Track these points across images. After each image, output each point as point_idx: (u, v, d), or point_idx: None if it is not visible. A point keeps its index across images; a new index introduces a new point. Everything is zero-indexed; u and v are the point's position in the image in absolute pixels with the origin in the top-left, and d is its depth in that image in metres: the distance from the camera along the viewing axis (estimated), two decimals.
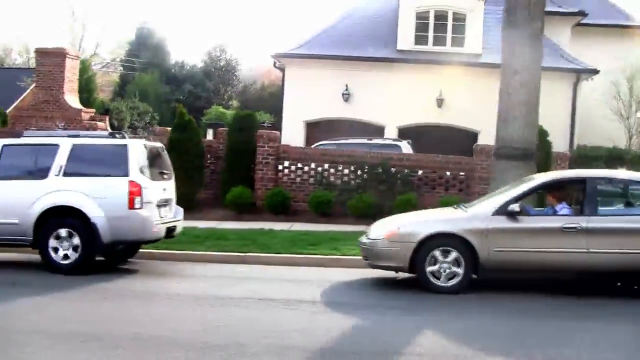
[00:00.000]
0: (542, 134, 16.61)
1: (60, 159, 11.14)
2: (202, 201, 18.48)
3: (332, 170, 18.97)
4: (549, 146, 18.17)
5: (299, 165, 19.13)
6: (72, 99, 23.21)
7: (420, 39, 26.41)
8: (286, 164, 19.13)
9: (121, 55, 60.30)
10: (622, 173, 11.87)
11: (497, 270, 10.14)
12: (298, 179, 19.06)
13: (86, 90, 34.55)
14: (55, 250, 11.00)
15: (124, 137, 11.57)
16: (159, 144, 12.63)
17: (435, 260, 9.94)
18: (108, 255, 12.26)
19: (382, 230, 10.61)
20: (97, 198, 10.88)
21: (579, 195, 10.41)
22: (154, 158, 11.85)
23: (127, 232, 11.05)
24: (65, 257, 10.98)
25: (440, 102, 25.43)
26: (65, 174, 11.10)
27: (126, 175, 10.95)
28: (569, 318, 8.82)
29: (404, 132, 25.12)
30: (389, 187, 18.37)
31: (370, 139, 20.61)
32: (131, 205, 10.86)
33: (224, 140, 19.20)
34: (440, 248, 9.94)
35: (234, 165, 18.34)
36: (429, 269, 9.95)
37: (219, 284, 10.77)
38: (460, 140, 24.98)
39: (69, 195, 10.95)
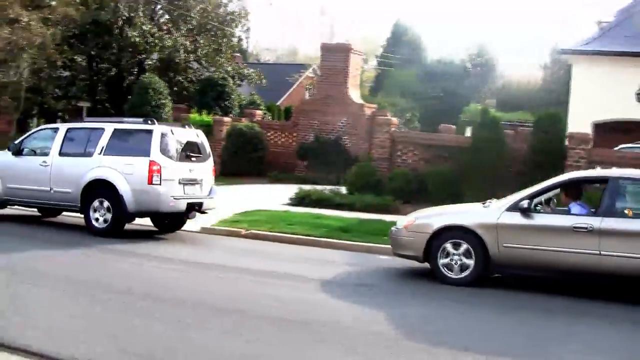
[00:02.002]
0: None
1: (103, 141, 13.43)
2: None
3: None
4: None
5: None
6: (355, 95, 24.27)
7: None
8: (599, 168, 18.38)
9: (374, 52, 62.29)
10: None
11: (508, 267, 10.18)
12: None
13: None
14: (94, 215, 13.16)
15: (153, 124, 13.47)
16: (194, 131, 14.34)
17: (447, 252, 10.24)
18: (158, 225, 14.37)
19: (404, 220, 11.19)
20: (126, 174, 12.98)
21: (600, 195, 10.09)
22: (185, 143, 13.70)
23: (147, 203, 12.99)
24: (100, 222, 13.11)
25: None
26: (105, 153, 13.33)
27: (148, 155, 12.95)
28: (547, 320, 8.50)
29: None
30: None
31: None
32: (150, 181, 12.85)
33: (524, 141, 19.03)
34: (452, 240, 10.23)
35: (536, 167, 18.05)
36: (441, 260, 10.27)
37: (222, 256, 12.00)
38: None
39: (106, 171, 13.13)
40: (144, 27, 29.56)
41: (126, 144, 13.47)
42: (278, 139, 25.81)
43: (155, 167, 12.85)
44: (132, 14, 29.61)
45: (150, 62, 33.11)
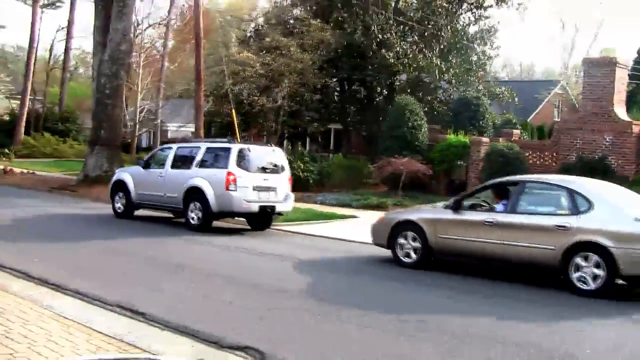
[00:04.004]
0: None
1: (199, 156, 17.47)
2: None
3: None
4: None
5: None
6: (621, 111, 23.90)
7: None
8: None
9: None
10: (548, 177, 13.27)
11: (442, 253, 12.89)
12: None
13: None
14: (190, 215, 17.00)
15: (233, 142, 17.51)
16: (271, 148, 18.21)
17: (402, 242, 13.18)
18: (252, 224, 18.00)
19: (379, 216, 14.72)
20: (211, 182, 16.74)
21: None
22: (261, 157, 17.39)
23: (224, 205, 16.66)
24: (195, 219, 16.92)
25: None
26: (200, 166, 17.33)
27: (226, 167, 16.65)
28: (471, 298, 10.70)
29: None
30: None
31: None
32: (227, 188, 16.51)
33: None
34: (404, 232, 13.16)
35: None
36: (397, 247, 13.24)
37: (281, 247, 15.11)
38: None
39: (198, 180, 17.01)
40: (397, 48, 31.00)
41: (214, 159, 17.39)
42: (537, 159, 25.97)
43: (231, 177, 16.55)
44: (384, 36, 31.17)
45: (398, 83, 34.58)
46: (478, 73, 34.31)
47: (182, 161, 18.00)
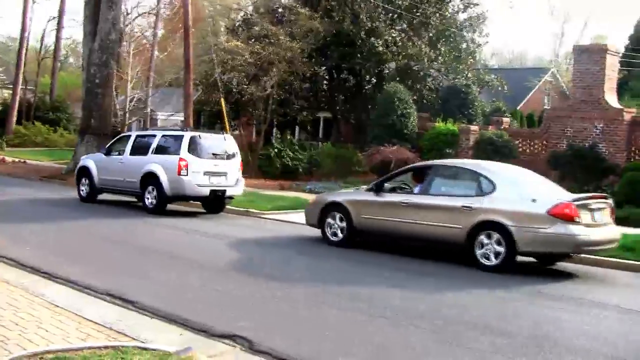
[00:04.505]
0: None
1: (155, 143, 18.68)
2: None
3: None
4: None
5: None
6: (612, 99, 23.86)
7: None
8: None
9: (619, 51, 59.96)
10: (459, 162, 14.79)
11: (365, 233, 13.82)
12: None
13: None
14: (148, 198, 18.22)
15: (186, 131, 18.85)
16: (222, 135, 19.46)
17: (329, 221, 14.15)
18: (206, 207, 19.20)
19: (311, 198, 16.03)
20: (165, 168, 17.94)
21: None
22: (212, 144, 18.56)
23: (177, 189, 17.86)
24: (151, 203, 18.17)
25: None
26: (155, 153, 18.52)
27: (179, 154, 17.85)
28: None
29: None
30: None
31: None
32: (179, 173, 17.72)
33: None
34: (332, 213, 14.11)
35: None
36: (326, 227, 14.21)
37: (227, 229, 16.17)
38: None
39: (153, 165, 18.21)
40: (386, 36, 30.89)
41: (167, 146, 18.56)
42: (526, 147, 25.94)
43: (183, 163, 17.74)
44: (373, 24, 31.07)
45: (387, 71, 34.48)
46: (467, 61, 34.25)
47: (140, 148, 19.14)
